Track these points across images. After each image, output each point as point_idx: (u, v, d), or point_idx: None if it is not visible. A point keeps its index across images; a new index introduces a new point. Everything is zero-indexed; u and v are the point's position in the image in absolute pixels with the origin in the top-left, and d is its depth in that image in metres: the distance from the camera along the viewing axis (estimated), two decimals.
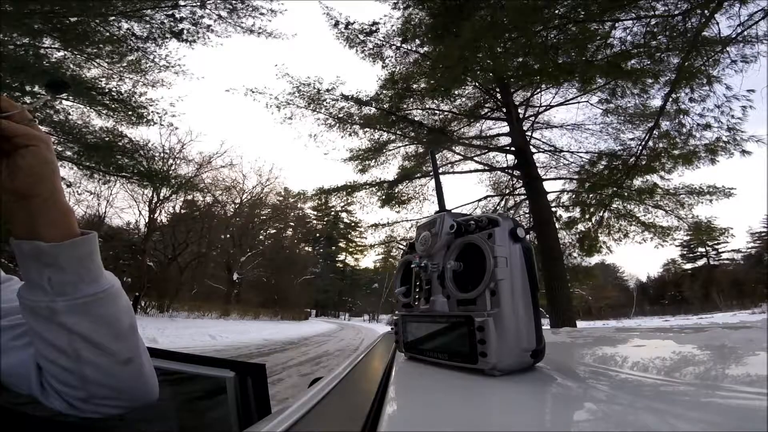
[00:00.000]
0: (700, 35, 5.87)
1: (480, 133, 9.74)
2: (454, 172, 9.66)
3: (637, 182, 7.91)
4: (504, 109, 8.97)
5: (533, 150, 9.00)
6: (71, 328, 0.45)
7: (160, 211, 20.40)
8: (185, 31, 8.30)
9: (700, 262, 37.89)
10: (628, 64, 6.72)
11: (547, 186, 8.68)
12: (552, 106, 9.08)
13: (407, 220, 9.82)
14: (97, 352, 0.46)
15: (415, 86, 8.59)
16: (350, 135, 9.20)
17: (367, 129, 9.09)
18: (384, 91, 8.70)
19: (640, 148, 7.21)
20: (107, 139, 9.65)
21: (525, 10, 5.85)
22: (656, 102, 7.31)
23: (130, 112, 9.39)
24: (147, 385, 0.51)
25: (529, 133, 9.03)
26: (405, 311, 0.49)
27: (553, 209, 8.53)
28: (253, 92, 8.77)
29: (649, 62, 6.64)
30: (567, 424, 0.25)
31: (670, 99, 6.61)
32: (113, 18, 7.71)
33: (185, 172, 15.57)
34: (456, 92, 8.71)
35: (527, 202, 8.60)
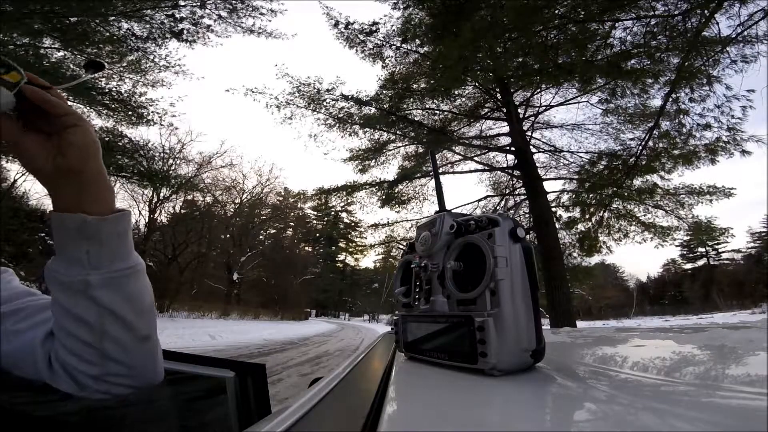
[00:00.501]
0: (700, 35, 5.87)
1: (480, 133, 9.75)
2: (454, 172, 9.66)
3: (637, 182, 7.92)
4: (504, 109, 8.97)
5: (533, 150, 9.00)
6: (102, 301, 0.46)
7: (160, 211, 20.41)
8: (185, 31, 8.31)
9: (700, 262, 37.91)
10: (628, 64, 6.72)
11: (547, 186, 8.69)
12: (552, 106, 9.09)
13: (407, 220, 9.83)
14: (122, 328, 0.48)
15: (415, 86, 8.59)
16: (350, 135, 9.20)
17: (367, 129, 9.09)
18: (384, 91, 8.70)
19: (640, 148, 7.21)
20: (107, 139, 9.65)
21: (525, 10, 5.85)
22: (656, 102, 7.33)
23: (130, 112, 9.40)
24: (157, 365, 0.53)
25: (529, 133, 9.03)
26: (405, 311, 0.49)
27: (553, 209, 8.53)
28: (253, 92, 8.77)
29: (649, 62, 6.64)
30: (567, 424, 0.25)
31: (670, 99, 6.61)
32: (113, 18, 7.71)
33: (185, 172, 15.60)
34: (456, 92, 8.71)
35: (527, 202, 8.60)
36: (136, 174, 10.49)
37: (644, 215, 8.66)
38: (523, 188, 8.88)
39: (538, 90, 8.59)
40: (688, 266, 38.94)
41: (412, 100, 8.79)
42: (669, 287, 39.87)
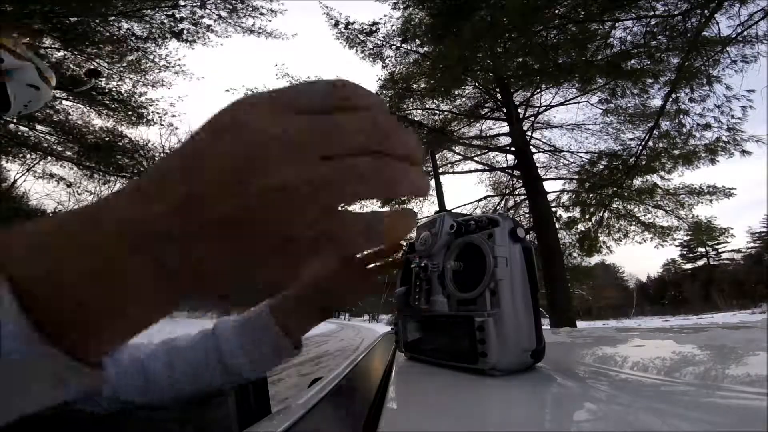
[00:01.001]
0: (700, 35, 5.87)
1: (480, 133, 9.74)
2: (454, 172, 9.66)
3: (637, 182, 7.91)
4: (504, 109, 8.97)
5: (533, 150, 9.00)
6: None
7: None
8: (185, 31, 8.30)
9: (700, 262, 37.90)
10: (628, 64, 6.71)
11: (547, 186, 8.68)
12: (552, 106, 9.08)
13: None
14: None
15: (415, 86, 8.58)
16: None
17: None
18: (384, 91, 8.69)
19: (640, 148, 7.21)
20: (107, 139, 9.64)
21: (525, 10, 5.84)
22: (656, 102, 7.32)
23: (130, 112, 9.39)
24: None
25: (529, 133, 9.02)
26: (405, 311, 0.49)
27: (553, 209, 8.52)
28: (253, 92, 8.76)
29: (649, 62, 6.64)
30: (567, 424, 0.25)
31: (670, 99, 6.61)
32: (113, 18, 7.70)
33: None
34: (456, 92, 8.70)
35: (527, 202, 8.60)
36: (136, 174, 10.48)
37: (644, 215, 8.66)
38: (523, 188, 8.87)
39: (538, 90, 8.59)
40: (688, 266, 38.96)
41: (412, 100, 8.79)
42: (669, 287, 39.87)
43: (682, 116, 6.81)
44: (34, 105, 0.69)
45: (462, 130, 9.56)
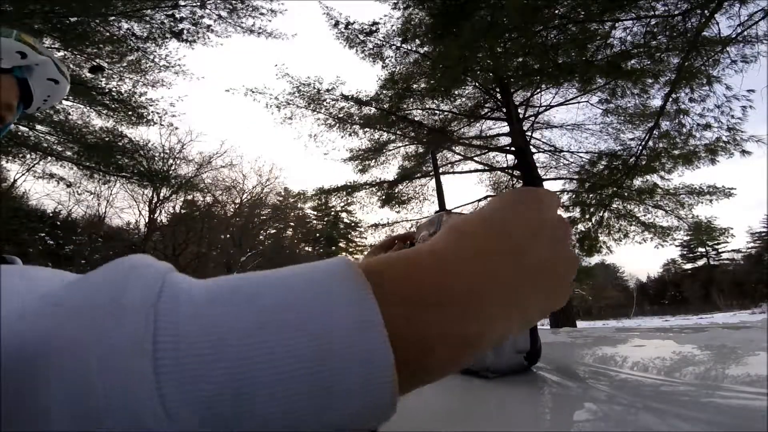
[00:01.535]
0: (700, 35, 5.87)
1: (480, 133, 9.74)
2: (454, 172, 9.66)
3: (637, 182, 7.91)
4: (504, 109, 8.97)
5: (533, 150, 9.00)
6: None
7: (160, 211, 20.43)
8: (185, 31, 8.30)
9: (700, 262, 37.87)
10: (628, 64, 6.71)
11: (547, 186, 8.67)
12: (552, 106, 9.08)
13: (407, 220, 9.82)
14: None
15: (415, 86, 8.58)
16: (350, 135, 9.19)
17: (367, 129, 9.08)
18: (384, 91, 8.69)
19: (640, 148, 7.21)
20: (107, 139, 9.64)
21: (525, 10, 5.84)
22: (656, 102, 7.32)
23: (130, 112, 9.39)
24: None
25: (529, 133, 9.02)
26: None
27: None
28: (253, 92, 8.76)
29: (649, 62, 6.64)
30: (567, 423, 0.25)
31: (670, 99, 6.61)
32: (113, 18, 7.70)
33: (185, 172, 15.55)
34: (456, 92, 8.70)
35: None
36: (136, 174, 10.49)
37: (644, 215, 8.65)
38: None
39: (538, 90, 8.58)
40: (688, 266, 38.92)
41: (412, 100, 8.79)
42: (669, 287, 39.85)
43: (682, 116, 6.81)
44: (53, 99, 0.71)
45: (462, 130, 9.57)
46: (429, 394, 0.35)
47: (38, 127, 9.11)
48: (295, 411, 0.14)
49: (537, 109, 9.10)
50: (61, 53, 7.79)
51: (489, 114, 9.44)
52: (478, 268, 0.20)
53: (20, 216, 13.20)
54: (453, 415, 0.26)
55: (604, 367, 0.42)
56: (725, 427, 0.22)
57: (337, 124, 9.00)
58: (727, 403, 0.27)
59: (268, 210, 30.07)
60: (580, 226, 8.35)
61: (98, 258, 16.41)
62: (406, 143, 9.47)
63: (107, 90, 8.95)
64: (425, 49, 8.28)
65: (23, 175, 12.28)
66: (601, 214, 8.06)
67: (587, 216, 8.13)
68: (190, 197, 20.78)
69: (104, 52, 8.25)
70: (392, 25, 8.25)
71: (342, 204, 12.06)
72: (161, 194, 17.99)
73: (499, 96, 8.98)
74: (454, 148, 9.21)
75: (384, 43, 8.44)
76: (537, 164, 8.85)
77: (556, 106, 9.03)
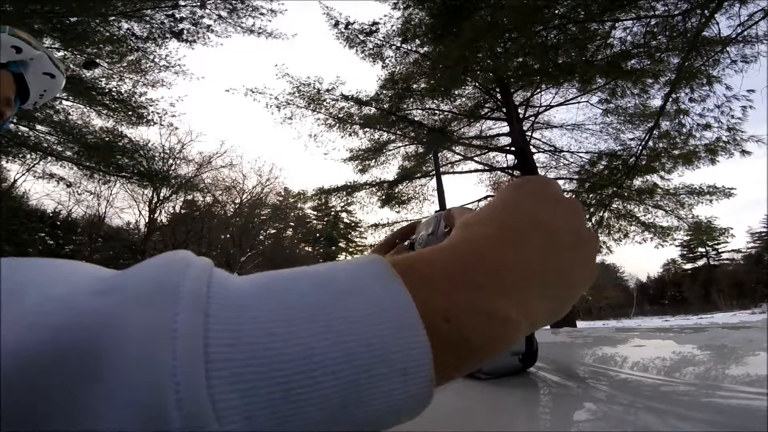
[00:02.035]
0: (700, 35, 5.87)
1: (480, 133, 9.74)
2: (454, 172, 9.66)
3: (637, 182, 7.91)
4: (504, 109, 8.97)
5: (533, 150, 9.00)
6: None
7: (160, 211, 20.43)
8: (185, 31, 8.30)
9: (700, 262, 37.87)
10: (628, 64, 6.72)
11: None
12: (552, 106, 9.09)
13: (407, 220, 9.80)
14: None
15: (415, 86, 8.59)
16: (350, 135, 9.20)
17: (367, 129, 9.08)
18: (384, 91, 8.69)
19: (640, 148, 7.21)
20: (107, 139, 9.64)
21: (525, 10, 5.85)
22: (656, 102, 7.32)
23: (130, 112, 9.39)
24: None
25: (529, 133, 9.02)
26: None
27: None
28: (253, 92, 8.76)
29: (649, 62, 6.64)
30: (567, 424, 0.25)
31: (670, 99, 6.61)
32: (113, 18, 7.70)
33: (185, 172, 15.55)
34: (456, 92, 8.70)
35: None
36: (136, 174, 10.48)
37: (644, 215, 8.65)
38: None
39: (538, 90, 8.59)
40: (688, 266, 38.92)
41: (412, 100, 8.79)
42: (669, 287, 39.85)
43: (682, 116, 6.81)
44: (49, 94, 0.70)
45: (462, 130, 9.57)
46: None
47: (38, 127, 9.11)
48: (336, 404, 0.14)
49: (537, 109, 9.11)
50: (61, 53, 7.79)
51: (489, 114, 9.44)
52: (503, 255, 0.21)
53: (20, 216, 13.20)
54: (452, 415, 0.26)
55: (604, 367, 0.42)
56: (725, 427, 0.22)
57: (337, 124, 9.01)
58: (727, 403, 0.27)
59: (268, 210, 30.05)
60: None
61: (98, 258, 16.41)
62: (406, 143, 9.47)
63: (107, 90, 8.95)
64: (425, 49, 8.28)
65: (23, 175, 12.27)
66: (601, 214, 8.06)
67: (587, 216, 8.13)
68: (190, 197, 20.78)
69: (104, 52, 8.25)
70: (392, 25, 8.26)
71: (342, 204, 12.06)
72: (161, 194, 17.98)
73: (499, 96, 8.98)
74: (454, 148, 9.21)
75: (384, 43, 8.44)
76: (537, 164, 8.85)
77: (556, 106, 9.04)
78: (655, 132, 6.99)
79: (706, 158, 7.10)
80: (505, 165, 9.52)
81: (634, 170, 7.35)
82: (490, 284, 0.19)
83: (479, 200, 9.39)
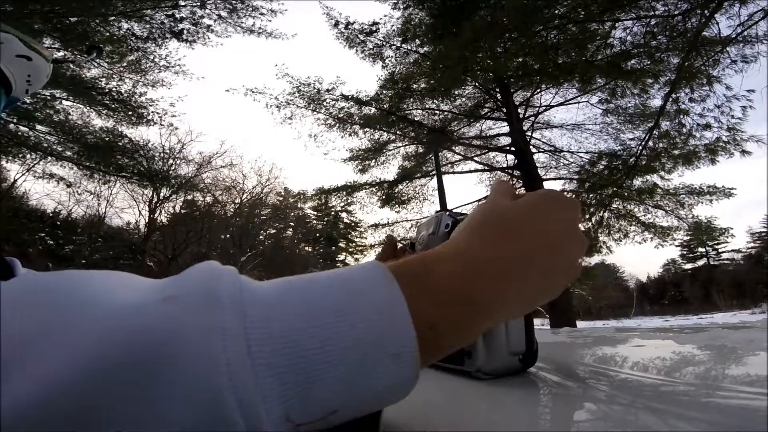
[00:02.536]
0: (700, 35, 5.87)
1: (480, 133, 9.73)
2: (454, 172, 9.66)
3: (637, 182, 7.91)
4: (504, 109, 8.96)
5: (533, 150, 8.99)
6: None
7: (160, 211, 20.43)
8: (185, 31, 8.30)
9: (700, 262, 37.85)
10: (628, 64, 6.71)
11: (547, 186, 8.66)
12: (552, 106, 9.08)
13: (407, 220, 9.81)
14: None
15: (415, 86, 8.58)
16: (350, 135, 9.19)
17: (367, 129, 9.08)
18: (384, 91, 8.69)
19: (640, 148, 7.21)
20: (107, 139, 9.63)
21: (525, 10, 5.85)
22: (656, 102, 7.31)
23: (130, 112, 9.39)
24: None
25: (529, 133, 9.02)
26: None
27: None
28: (253, 92, 8.76)
29: (649, 62, 6.64)
30: (567, 423, 0.25)
31: (670, 99, 6.61)
32: (113, 18, 7.70)
33: (185, 172, 15.56)
34: (456, 92, 8.70)
35: None
36: (136, 174, 10.49)
37: (644, 215, 8.64)
38: (523, 188, 8.87)
39: (538, 90, 8.58)
40: (688, 266, 38.89)
41: (412, 100, 8.78)
42: (669, 287, 39.83)
43: (682, 116, 6.81)
44: (36, 79, 0.67)
45: (462, 130, 9.56)
46: (428, 393, 0.35)
47: (38, 127, 9.11)
48: (345, 384, 0.18)
49: (537, 109, 9.10)
50: (61, 53, 7.79)
51: (489, 114, 9.44)
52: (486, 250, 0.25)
53: (20, 216, 13.21)
54: (453, 415, 0.26)
55: (604, 367, 0.42)
56: (725, 427, 0.22)
57: (337, 124, 9.00)
58: (727, 403, 0.27)
59: (268, 210, 30.04)
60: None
61: (98, 258, 16.40)
62: (406, 143, 9.47)
63: (107, 90, 8.95)
64: (425, 49, 8.27)
65: (23, 175, 12.27)
66: (601, 214, 8.06)
67: (587, 216, 8.13)
68: (190, 197, 20.78)
69: (104, 52, 8.24)
70: (392, 25, 8.26)
71: (342, 204, 12.05)
72: (161, 194, 17.99)
73: (499, 96, 8.97)
74: (454, 148, 9.21)
75: (384, 43, 8.44)
76: (537, 164, 8.85)
77: (556, 106, 9.03)
78: (655, 132, 6.98)
79: (706, 158, 7.09)
80: (505, 165, 9.52)
81: (634, 170, 7.35)
82: (478, 304, 0.23)
83: (479, 200, 9.37)
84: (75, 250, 16.69)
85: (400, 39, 8.28)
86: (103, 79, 8.94)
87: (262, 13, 8.47)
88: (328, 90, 8.66)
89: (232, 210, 26.30)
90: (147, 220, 19.31)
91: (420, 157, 9.25)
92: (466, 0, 6.93)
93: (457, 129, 9.42)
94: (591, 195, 8.00)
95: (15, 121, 8.47)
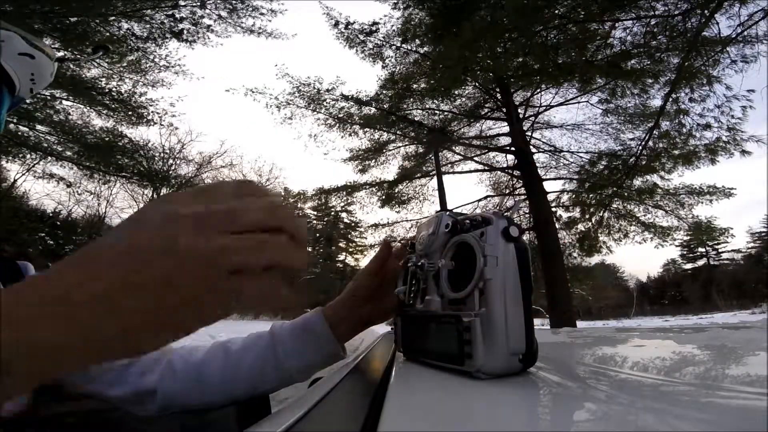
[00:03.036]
0: (700, 35, 5.87)
1: (480, 133, 9.73)
2: (454, 172, 9.66)
3: (637, 182, 7.91)
4: (504, 109, 8.96)
5: (533, 150, 8.99)
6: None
7: None
8: (185, 31, 8.29)
9: (700, 262, 37.86)
10: (628, 64, 6.71)
11: (547, 186, 8.67)
12: (552, 106, 9.08)
13: (407, 220, 9.82)
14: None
15: (415, 86, 8.58)
16: (350, 135, 9.19)
17: (367, 129, 9.08)
18: (384, 91, 8.69)
19: (640, 148, 7.21)
20: (107, 139, 9.63)
21: (525, 10, 5.84)
22: (656, 102, 7.32)
23: (130, 112, 9.38)
24: None
25: (529, 133, 9.02)
26: (402, 311, 0.49)
27: (553, 209, 8.52)
28: (253, 92, 8.76)
29: (649, 62, 6.64)
30: (567, 423, 0.25)
31: (670, 99, 6.61)
32: (113, 18, 7.70)
33: (185, 172, 15.55)
34: (456, 92, 8.70)
35: (527, 202, 8.60)
36: (136, 174, 10.49)
37: (644, 215, 8.65)
38: (523, 188, 8.87)
39: (538, 90, 8.58)
40: (688, 266, 38.90)
41: (412, 100, 8.78)
42: (669, 287, 39.83)
43: (682, 116, 6.81)
44: (40, 77, 0.65)
45: (462, 130, 9.56)
46: (428, 393, 0.35)
47: (38, 127, 9.11)
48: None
49: (537, 109, 9.10)
50: (61, 53, 7.77)
51: (489, 114, 9.44)
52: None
53: (20, 216, 13.20)
54: (452, 415, 0.26)
55: (604, 367, 0.41)
56: (725, 427, 0.22)
57: (337, 124, 9.00)
58: (727, 403, 0.27)
59: None
60: (580, 226, 8.35)
61: None
62: (406, 143, 9.47)
63: (107, 90, 8.95)
64: (425, 49, 8.27)
65: (23, 175, 12.26)
66: (601, 214, 8.07)
67: (587, 216, 8.13)
68: None
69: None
70: (392, 25, 8.26)
71: (342, 204, 12.05)
72: (161, 194, 17.96)
73: (499, 96, 8.97)
74: (454, 148, 9.20)
75: (384, 43, 8.44)
76: (537, 164, 8.85)
77: (556, 106, 9.03)
78: (655, 132, 6.99)
79: (706, 158, 7.09)
80: (505, 165, 9.52)
81: (634, 170, 7.35)
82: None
83: (479, 200, 9.40)
84: (75, 250, 16.68)
85: (400, 39, 8.28)
86: (103, 79, 8.94)
87: (262, 13, 8.47)
88: (328, 90, 8.66)
89: None
90: None
91: (420, 157, 9.25)
92: (466, 0, 6.92)
93: (457, 129, 9.42)
94: (591, 195, 8.00)
95: (15, 121, 8.48)
